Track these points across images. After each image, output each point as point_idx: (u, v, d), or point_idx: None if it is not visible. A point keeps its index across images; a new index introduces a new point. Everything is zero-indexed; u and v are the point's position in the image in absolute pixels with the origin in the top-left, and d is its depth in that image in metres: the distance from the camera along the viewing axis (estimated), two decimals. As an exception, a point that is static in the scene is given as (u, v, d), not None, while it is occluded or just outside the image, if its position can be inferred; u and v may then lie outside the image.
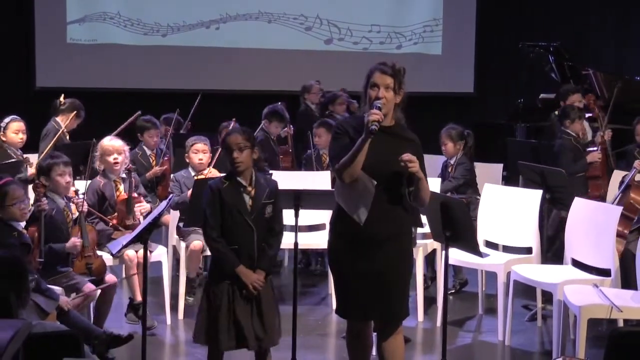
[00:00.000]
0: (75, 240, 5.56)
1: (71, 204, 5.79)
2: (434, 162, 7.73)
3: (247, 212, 4.63)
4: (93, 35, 11.98)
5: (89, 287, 5.53)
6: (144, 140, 7.80)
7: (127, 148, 6.38)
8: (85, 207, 5.81)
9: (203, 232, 4.75)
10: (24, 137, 7.15)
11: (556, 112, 8.45)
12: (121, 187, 6.27)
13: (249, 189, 4.66)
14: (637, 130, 7.63)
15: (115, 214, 6.19)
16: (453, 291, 7.18)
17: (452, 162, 7.34)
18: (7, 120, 7.10)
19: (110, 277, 5.79)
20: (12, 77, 11.57)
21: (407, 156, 4.26)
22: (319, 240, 6.74)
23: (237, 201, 4.63)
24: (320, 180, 6.97)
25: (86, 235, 5.73)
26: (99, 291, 5.62)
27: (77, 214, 5.78)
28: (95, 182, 6.25)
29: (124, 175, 6.29)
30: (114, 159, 6.23)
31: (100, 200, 6.19)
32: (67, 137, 7.74)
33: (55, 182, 5.66)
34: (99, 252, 5.99)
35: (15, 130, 7.08)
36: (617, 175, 7.34)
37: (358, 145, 4.22)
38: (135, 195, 6.27)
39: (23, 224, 5.40)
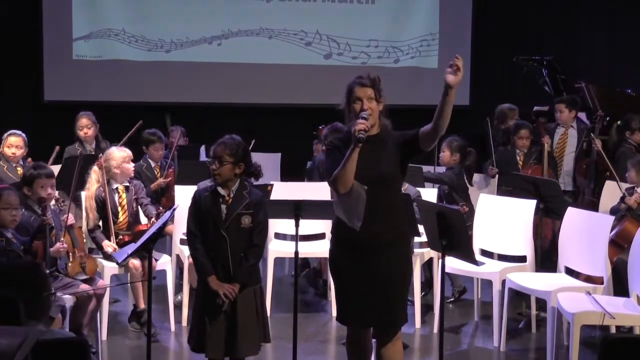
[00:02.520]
0: (59, 246, 5.57)
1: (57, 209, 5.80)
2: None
3: (220, 222, 4.67)
4: (98, 52, 12.00)
5: (83, 287, 5.55)
6: (149, 153, 7.82)
7: (119, 159, 6.39)
8: (71, 219, 5.81)
9: (187, 239, 4.87)
10: (17, 152, 7.14)
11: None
12: (124, 195, 6.31)
13: (227, 198, 4.69)
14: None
15: (124, 224, 6.23)
16: (452, 299, 7.18)
17: (445, 170, 7.37)
18: (6, 134, 7.13)
19: (101, 282, 5.82)
20: (22, 91, 11.62)
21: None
22: (319, 249, 6.77)
23: (213, 210, 4.69)
24: (320, 190, 6.97)
25: (76, 239, 5.79)
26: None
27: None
28: (97, 192, 6.27)
29: (127, 184, 6.34)
30: (132, 167, 6.40)
31: (100, 208, 6.22)
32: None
33: (36, 194, 5.68)
34: (105, 261, 6.01)
35: (8, 144, 7.12)
36: (611, 186, 7.34)
37: (348, 155, 4.24)
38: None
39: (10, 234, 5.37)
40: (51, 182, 5.77)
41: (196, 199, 4.78)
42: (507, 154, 8.11)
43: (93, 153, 7.53)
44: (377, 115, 4.41)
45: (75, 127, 7.75)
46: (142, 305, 6.09)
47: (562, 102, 8.51)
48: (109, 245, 6.12)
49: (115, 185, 6.32)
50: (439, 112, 4.26)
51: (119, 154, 6.36)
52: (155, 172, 7.81)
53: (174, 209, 5.01)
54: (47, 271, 5.39)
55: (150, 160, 7.83)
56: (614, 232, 6.33)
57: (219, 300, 4.65)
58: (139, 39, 12.14)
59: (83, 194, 6.59)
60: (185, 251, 6.52)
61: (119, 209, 6.29)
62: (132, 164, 6.47)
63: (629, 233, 6.18)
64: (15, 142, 7.14)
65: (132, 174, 6.44)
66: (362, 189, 4.32)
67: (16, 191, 5.49)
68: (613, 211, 6.68)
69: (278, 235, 7.11)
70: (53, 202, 5.88)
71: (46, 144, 7.65)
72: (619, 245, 6.30)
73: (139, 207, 6.42)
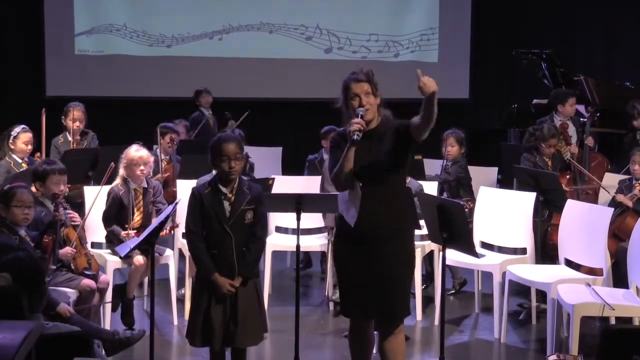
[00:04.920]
0: (68, 249, 5.57)
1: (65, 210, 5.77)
2: (432, 165, 7.75)
3: (224, 219, 4.63)
4: (100, 47, 12.02)
5: (86, 282, 5.56)
6: (162, 145, 7.74)
7: (152, 159, 6.35)
8: (78, 220, 5.77)
9: (185, 236, 4.76)
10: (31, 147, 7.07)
11: None
12: (141, 197, 6.23)
13: (229, 195, 4.66)
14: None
15: (137, 224, 6.18)
16: (453, 292, 7.18)
17: (449, 164, 7.35)
18: (16, 130, 7.00)
19: (104, 277, 5.84)
20: (24, 86, 11.62)
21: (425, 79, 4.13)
22: (319, 243, 6.79)
23: (216, 207, 4.64)
24: (319, 184, 6.99)
25: (83, 237, 5.80)
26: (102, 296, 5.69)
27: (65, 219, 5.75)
28: (115, 189, 6.17)
29: (145, 185, 6.28)
30: (141, 170, 6.19)
31: (118, 207, 6.14)
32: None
33: (48, 189, 5.67)
34: (108, 255, 6.06)
35: (25, 141, 7.00)
36: (611, 179, 7.33)
37: (344, 154, 4.26)
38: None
39: (23, 232, 5.34)
40: (64, 178, 5.76)
41: (196, 197, 4.69)
42: (539, 163, 7.34)
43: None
44: (376, 109, 4.40)
45: (65, 117, 7.64)
46: (131, 295, 6.10)
47: (574, 96, 8.51)
48: (127, 233, 6.08)
49: (133, 186, 6.24)
50: (426, 116, 4.19)
51: (130, 154, 6.22)
52: (162, 166, 7.74)
53: (176, 203, 4.99)
54: (54, 267, 5.40)
55: (159, 153, 7.75)
56: (614, 225, 6.33)
57: (222, 296, 4.64)
58: (140, 34, 12.15)
59: (89, 188, 6.60)
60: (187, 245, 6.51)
61: (135, 209, 6.22)
62: (142, 167, 6.20)
63: (630, 228, 6.19)
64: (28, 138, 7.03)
65: (141, 177, 6.22)
66: (356, 183, 4.34)
67: (30, 191, 5.48)
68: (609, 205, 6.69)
69: (279, 229, 7.11)
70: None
71: (48, 139, 7.63)
72: (620, 238, 6.31)
73: (154, 210, 6.30)
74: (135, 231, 6.06)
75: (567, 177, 7.41)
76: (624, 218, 6.47)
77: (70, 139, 7.64)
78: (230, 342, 4.69)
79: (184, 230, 6.61)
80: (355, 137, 4.19)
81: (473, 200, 6.95)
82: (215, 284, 4.62)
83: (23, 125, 7.00)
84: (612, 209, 6.03)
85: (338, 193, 4.53)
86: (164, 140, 7.73)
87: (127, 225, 6.13)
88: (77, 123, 7.63)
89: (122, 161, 6.23)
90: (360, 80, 4.38)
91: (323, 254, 7.81)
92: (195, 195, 4.70)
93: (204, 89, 10.48)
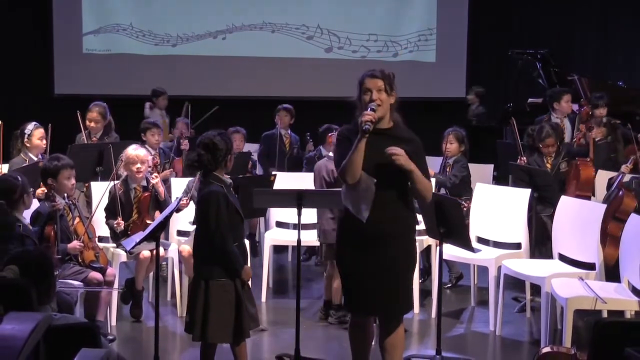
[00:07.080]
0: (76, 244, 5.59)
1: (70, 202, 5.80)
2: (431, 162, 7.74)
3: (240, 209, 4.67)
4: (107, 46, 12.02)
5: (94, 275, 5.56)
6: (147, 139, 7.68)
7: (150, 157, 6.34)
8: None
9: (220, 239, 4.54)
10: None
11: None
12: (140, 196, 6.22)
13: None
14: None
15: (135, 213, 6.18)
16: (450, 285, 7.19)
17: (450, 162, 7.34)
18: (30, 127, 6.98)
19: (110, 270, 5.85)
20: (33, 85, 11.62)
21: (391, 149, 4.25)
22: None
23: (234, 200, 4.67)
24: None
25: (90, 231, 5.81)
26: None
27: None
28: (114, 188, 6.16)
29: (144, 184, 6.26)
30: (137, 168, 6.17)
31: (118, 205, 6.12)
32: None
33: (61, 184, 5.69)
34: (115, 249, 6.06)
35: (39, 137, 6.97)
36: (604, 175, 7.34)
37: (355, 146, 4.23)
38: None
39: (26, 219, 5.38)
40: (73, 172, 5.79)
41: (224, 197, 4.57)
42: (536, 161, 7.25)
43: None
44: (388, 107, 4.39)
45: (86, 115, 7.66)
46: (139, 287, 6.11)
47: (569, 93, 8.52)
48: (118, 223, 6.08)
49: (132, 185, 6.24)
50: (411, 189, 4.38)
51: (127, 153, 6.23)
52: (171, 157, 7.70)
53: (179, 200, 4.99)
54: (59, 256, 5.42)
55: (148, 148, 7.71)
56: (613, 208, 6.30)
57: (247, 285, 4.68)
58: (146, 34, 12.15)
59: (95, 184, 6.60)
60: (181, 241, 6.52)
61: (134, 207, 6.22)
62: (138, 165, 6.17)
63: (628, 207, 6.19)
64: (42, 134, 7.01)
65: (137, 175, 6.19)
66: (371, 181, 4.29)
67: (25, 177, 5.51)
68: (611, 184, 6.73)
69: (280, 224, 7.12)
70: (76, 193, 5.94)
71: (57, 137, 7.63)
72: (621, 220, 6.24)
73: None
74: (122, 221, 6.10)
75: (588, 160, 7.36)
76: (620, 198, 6.43)
77: (87, 137, 7.60)
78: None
79: (178, 228, 6.65)
80: (366, 127, 4.18)
81: (472, 199, 6.95)
82: (245, 274, 4.63)
83: (34, 123, 6.95)
84: (604, 206, 6.02)
85: (341, 189, 4.49)
86: (146, 136, 7.62)
87: (126, 223, 6.14)
88: (92, 123, 7.53)
89: (121, 160, 6.24)
90: (374, 76, 4.38)
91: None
92: (223, 196, 4.56)
93: None
